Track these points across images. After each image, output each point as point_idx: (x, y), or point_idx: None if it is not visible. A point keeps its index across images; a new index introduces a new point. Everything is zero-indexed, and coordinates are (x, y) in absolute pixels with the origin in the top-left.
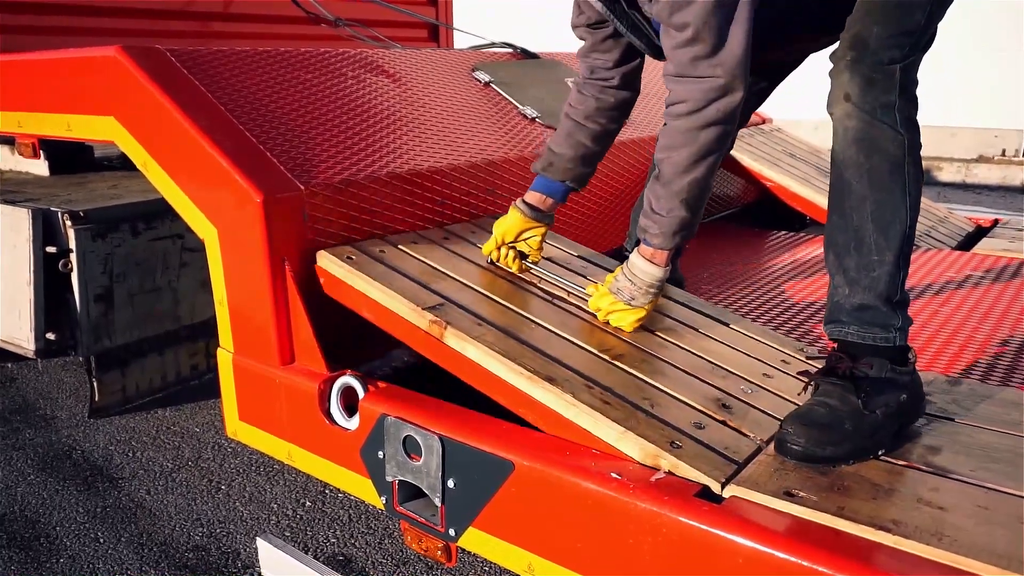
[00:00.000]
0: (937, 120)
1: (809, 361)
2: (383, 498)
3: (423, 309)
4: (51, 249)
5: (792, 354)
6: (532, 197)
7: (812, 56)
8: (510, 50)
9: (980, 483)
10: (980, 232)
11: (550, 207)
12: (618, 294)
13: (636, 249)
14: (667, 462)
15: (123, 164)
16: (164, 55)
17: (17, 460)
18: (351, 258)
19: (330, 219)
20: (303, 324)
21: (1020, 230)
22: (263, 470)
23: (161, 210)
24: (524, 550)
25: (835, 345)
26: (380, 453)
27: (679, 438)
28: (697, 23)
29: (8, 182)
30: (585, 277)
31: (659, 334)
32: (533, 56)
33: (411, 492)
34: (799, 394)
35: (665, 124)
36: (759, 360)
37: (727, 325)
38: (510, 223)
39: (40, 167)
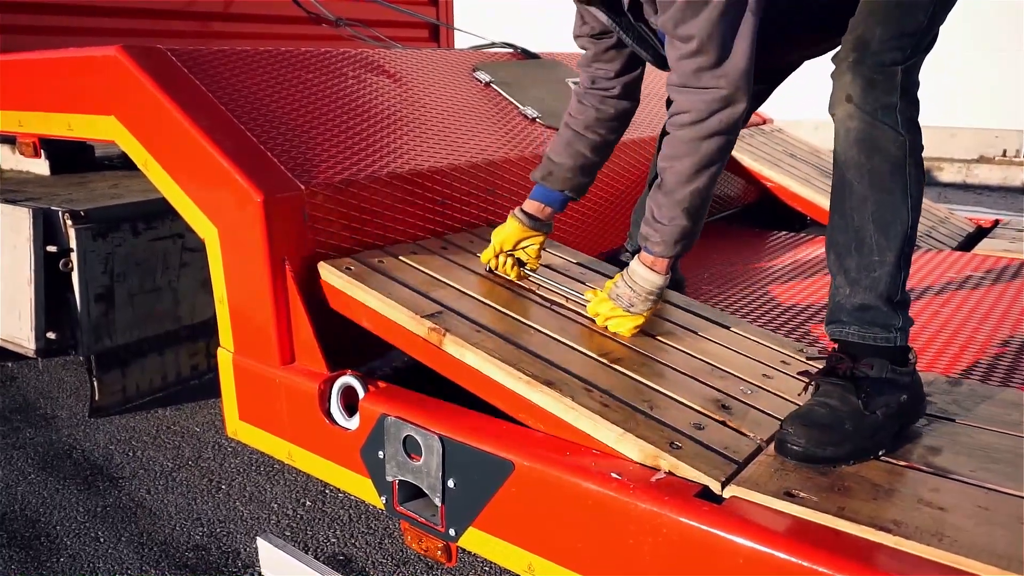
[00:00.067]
0: (937, 121)
1: (809, 362)
2: (383, 498)
3: (422, 317)
4: (52, 248)
5: (792, 355)
6: (530, 206)
7: None
8: (511, 50)
9: (980, 484)
10: (980, 233)
11: (548, 216)
12: (617, 300)
13: (637, 256)
14: (667, 462)
15: (124, 163)
16: (165, 55)
17: (17, 459)
18: (350, 268)
19: (330, 219)
20: (303, 324)
21: (1021, 231)
22: (263, 470)
23: (162, 210)
24: (524, 550)
25: (835, 345)
26: (380, 453)
27: (679, 439)
28: (702, 35)
29: (9, 181)
30: (583, 283)
31: (658, 338)
32: (534, 56)
33: (411, 492)
34: (799, 394)
35: (668, 134)
36: (759, 361)
37: (726, 328)
38: (508, 232)
39: (41, 166)
